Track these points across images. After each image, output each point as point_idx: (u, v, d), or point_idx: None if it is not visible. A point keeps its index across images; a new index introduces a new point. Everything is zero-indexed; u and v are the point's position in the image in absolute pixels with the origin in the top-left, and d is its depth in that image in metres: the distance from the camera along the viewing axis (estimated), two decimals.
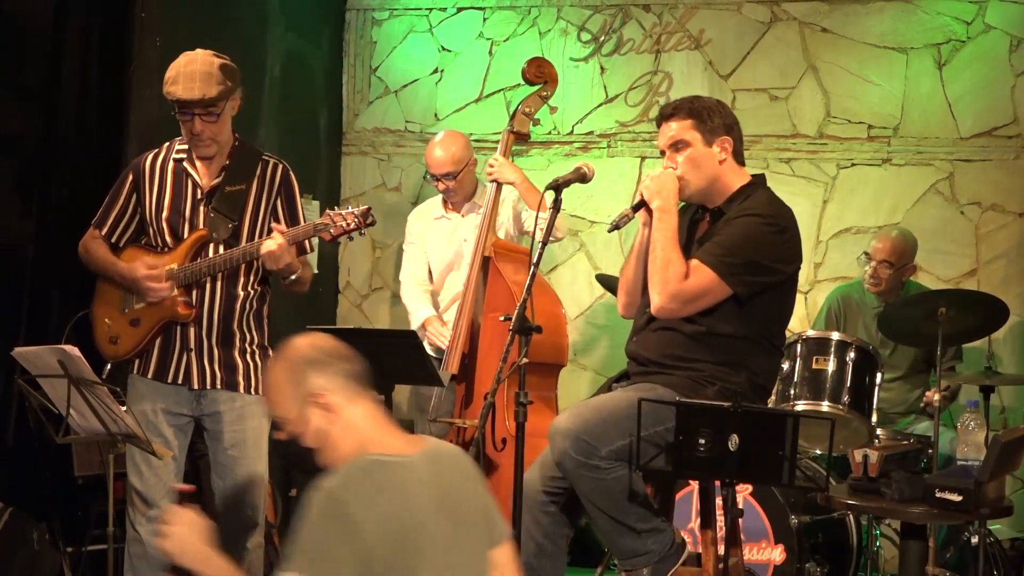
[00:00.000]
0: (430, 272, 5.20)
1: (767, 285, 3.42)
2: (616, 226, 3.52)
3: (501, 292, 4.69)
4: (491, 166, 4.90)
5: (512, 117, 4.93)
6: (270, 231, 3.71)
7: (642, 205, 3.50)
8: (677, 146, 3.49)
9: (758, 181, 3.55)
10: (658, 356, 3.47)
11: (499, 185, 4.89)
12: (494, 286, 4.73)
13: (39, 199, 4.52)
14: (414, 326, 5.08)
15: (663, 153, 3.55)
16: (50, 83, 4.54)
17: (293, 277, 3.70)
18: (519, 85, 5.01)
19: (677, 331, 3.45)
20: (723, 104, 3.56)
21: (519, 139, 4.97)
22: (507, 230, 5.07)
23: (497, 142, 5.02)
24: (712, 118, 3.48)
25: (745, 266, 3.37)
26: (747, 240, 3.39)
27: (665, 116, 3.53)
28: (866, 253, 5.10)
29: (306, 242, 3.74)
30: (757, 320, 3.44)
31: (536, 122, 4.98)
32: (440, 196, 5.17)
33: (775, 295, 3.47)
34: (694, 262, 3.40)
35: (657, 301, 3.39)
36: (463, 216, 5.10)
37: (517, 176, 4.93)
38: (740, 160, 3.55)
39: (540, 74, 4.93)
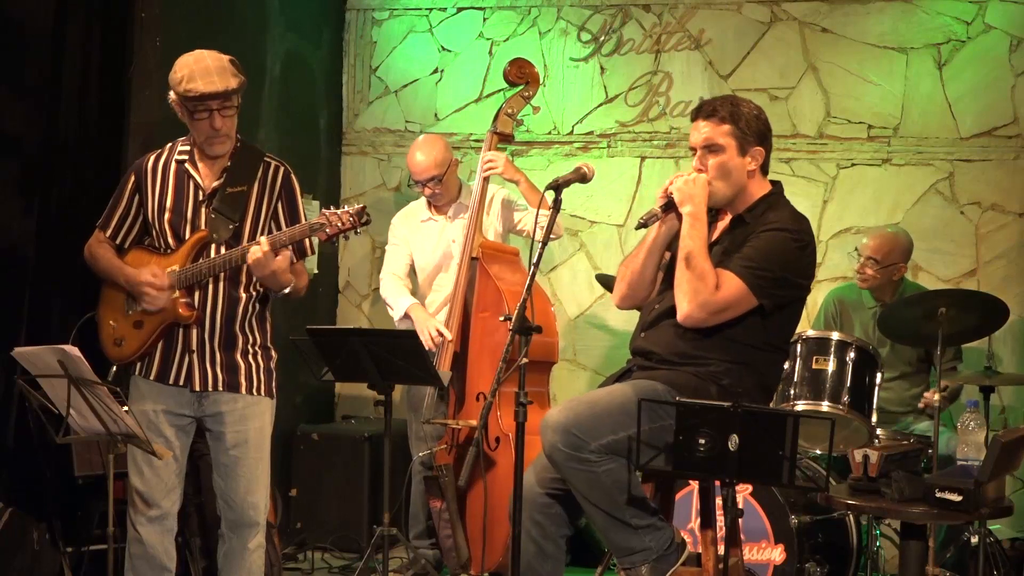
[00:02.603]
0: (414, 273, 5.20)
1: (789, 299, 3.46)
2: (644, 224, 3.53)
3: (490, 292, 4.71)
4: (492, 162, 4.88)
5: (495, 118, 4.97)
6: (270, 232, 3.71)
7: (671, 207, 3.49)
8: (711, 148, 3.48)
9: (778, 191, 3.58)
10: (667, 353, 3.48)
11: (485, 185, 4.90)
12: (483, 286, 4.75)
13: (39, 199, 4.51)
14: (397, 317, 5.08)
15: (693, 151, 3.54)
16: (50, 83, 4.53)
17: (287, 291, 3.70)
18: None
19: (689, 329, 3.45)
20: (762, 112, 3.55)
21: (503, 140, 5.00)
22: (495, 230, 5.07)
23: None
24: (750, 126, 3.47)
25: (774, 280, 3.39)
26: (776, 255, 3.41)
27: (705, 114, 3.51)
28: (856, 248, 5.12)
29: (306, 244, 3.73)
30: (772, 329, 3.47)
31: (519, 123, 5.01)
32: (424, 198, 5.17)
33: (790, 306, 3.51)
34: (725, 273, 3.40)
35: (686, 309, 3.39)
36: (450, 217, 5.10)
37: (521, 175, 4.94)
38: (766, 170, 3.56)
39: (521, 75, 4.98)
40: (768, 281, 3.38)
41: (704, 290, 3.36)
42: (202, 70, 3.56)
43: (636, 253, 3.63)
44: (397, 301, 5.09)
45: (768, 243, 3.42)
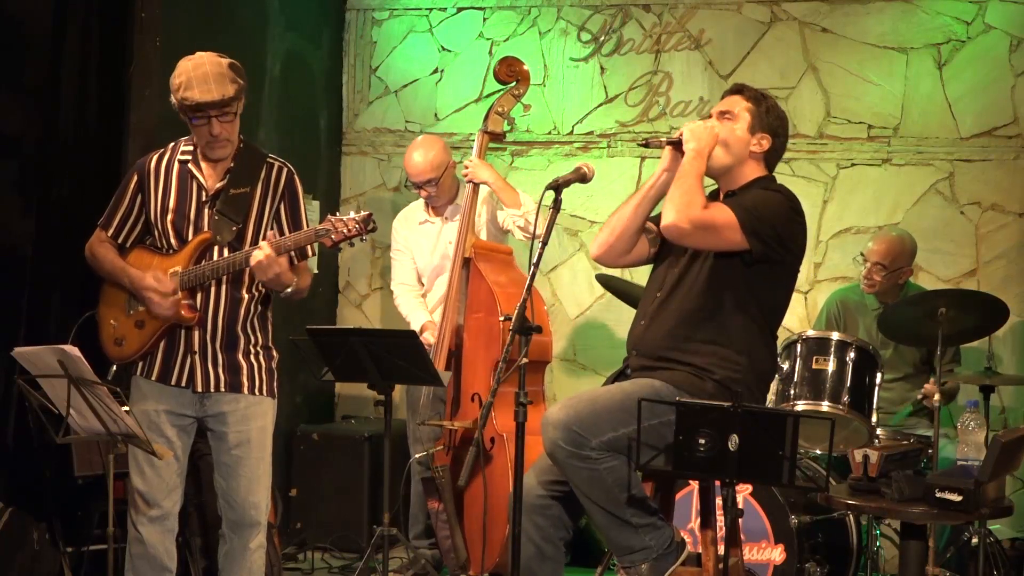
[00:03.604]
0: (419, 276, 5.20)
1: (775, 258, 3.46)
2: (646, 144, 3.64)
3: (483, 292, 4.70)
4: (466, 167, 4.90)
5: (485, 118, 4.95)
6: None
7: (678, 146, 3.55)
8: (724, 114, 3.58)
9: (772, 178, 3.63)
10: (659, 350, 3.48)
11: (476, 186, 4.90)
12: (476, 287, 4.74)
13: (39, 199, 4.51)
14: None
15: (709, 116, 3.64)
16: (50, 83, 4.53)
17: (289, 290, 3.70)
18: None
19: (686, 309, 3.47)
20: (785, 115, 3.64)
21: (494, 139, 4.99)
22: (488, 229, 5.07)
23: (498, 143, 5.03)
24: (768, 114, 3.57)
25: (765, 226, 3.42)
26: (770, 207, 3.46)
27: (733, 90, 3.64)
28: (862, 254, 5.10)
29: (308, 247, 3.73)
30: (761, 300, 3.48)
31: (511, 121, 5.00)
32: (422, 200, 5.17)
33: (780, 278, 3.52)
34: (717, 203, 3.47)
35: (671, 217, 3.42)
36: (447, 219, 5.10)
37: (491, 176, 4.92)
38: (770, 165, 3.61)
39: (511, 73, 4.96)
40: (759, 224, 3.41)
41: (692, 204, 3.40)
42: (200, 77, 3.55)
43: (629, 201, 3.66)
44: (414, 316, 5.11)
45: (763, 196, 3.50)
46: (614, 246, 3.65)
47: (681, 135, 3.54)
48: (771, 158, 3.60)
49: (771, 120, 3.56)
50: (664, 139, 3.60)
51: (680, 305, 3.50)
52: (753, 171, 3.57)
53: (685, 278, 3.53)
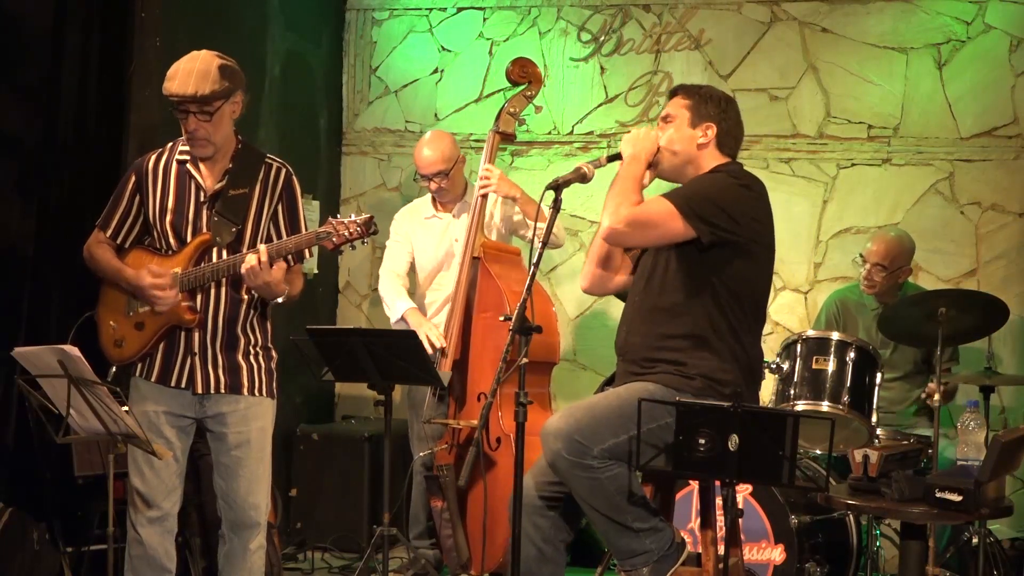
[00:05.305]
0: (414, 271, 5.20)
1: (729, 238, 3.39)
2: (583, 177, 3.56)
3: (492, 292, 4.70)
4: (486, 179, 4.86)
5: (497, 118, 4.94)
6: (268, 238, 3.70)
7: (618, 157, 3.55)
8: (666, 119, 3.57)
9: (733, 165, 3.57)
10: (645, 342, 3.47)
11: (484, 200, 4.88)
12: (484, 286, 4.74)
13: (39, 199, 4.51)
14: (393, 319, 5.07)
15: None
16: (50, 83, 4.54)
17: (279, 300, 3.69)
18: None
19: (658, 307, 3.46)
20: (730, 100, 3.59)
21: (505, 140, 4.98)
22: (497, 229, 5.06)
23: None
24: (707, 104, 3.53)
25: (708, 207, 3.36)
26: (711, 188, 3.42)
27: (670, 95, 3.63)
28: (861, 255, 5.10)
29: (305, 249, 3.72)
30: (730, 285, 3.42)
31: (522, 122, 4.99)
32: (429, 196, 5.17)
33: (744, 259, 3.44)
34: (654, 197, 3.45)
35: (605, 223, 3.42)
36: (454, 216, 5.09)
37: (517, 191, 4.91)
38: (727, 151, 3.57)
39: (524, 74, 4.96)
40: (700, 206, 3.36)
41: (623, 204, 3.39)
42: (185, 71, 3.56)
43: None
44: (395, 303, 5.08)
45: (704, 179, 3.47)
46: (595, 273, 3.66)
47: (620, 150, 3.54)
48: (726, 144, 3.55)
49: (710, 109, 3.53)
50: (604, 158, 3.59)
51: (653, 304, 3.48)
52: (710, 161, 3.53)
53: (652, 278, 3.51)
